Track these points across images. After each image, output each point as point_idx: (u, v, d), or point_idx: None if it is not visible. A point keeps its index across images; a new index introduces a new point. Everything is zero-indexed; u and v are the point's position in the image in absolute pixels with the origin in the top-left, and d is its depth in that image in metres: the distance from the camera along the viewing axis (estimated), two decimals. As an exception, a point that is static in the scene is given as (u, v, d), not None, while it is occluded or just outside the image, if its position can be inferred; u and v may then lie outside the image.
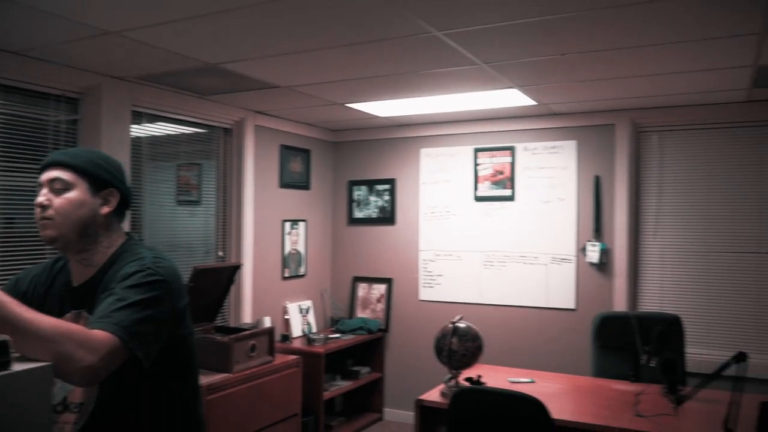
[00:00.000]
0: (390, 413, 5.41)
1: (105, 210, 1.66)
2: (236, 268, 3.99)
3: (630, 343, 3.61)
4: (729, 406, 2.59)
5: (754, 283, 4.30)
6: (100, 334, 1.37)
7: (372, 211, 5.50)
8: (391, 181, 5.43)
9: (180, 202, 4.35)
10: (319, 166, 5.54)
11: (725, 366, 2.64)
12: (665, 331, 3.34)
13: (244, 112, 4.61)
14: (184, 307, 1.63)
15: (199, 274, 3.60)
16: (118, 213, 1.70)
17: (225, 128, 4.59)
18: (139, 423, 1.60)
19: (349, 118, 4.98)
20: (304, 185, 5.34)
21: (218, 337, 3.69)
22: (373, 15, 2.52)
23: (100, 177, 1.65)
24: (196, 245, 4.44)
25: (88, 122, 3.56)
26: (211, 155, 4.56)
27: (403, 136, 5.37)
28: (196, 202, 4.48)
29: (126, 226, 3.62)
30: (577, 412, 3.05)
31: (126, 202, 1.71)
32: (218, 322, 4.21)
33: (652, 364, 3.25)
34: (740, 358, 2.59)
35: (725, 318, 4.37)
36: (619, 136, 4.58)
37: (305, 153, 5.33)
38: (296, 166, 5.22)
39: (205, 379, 3.38)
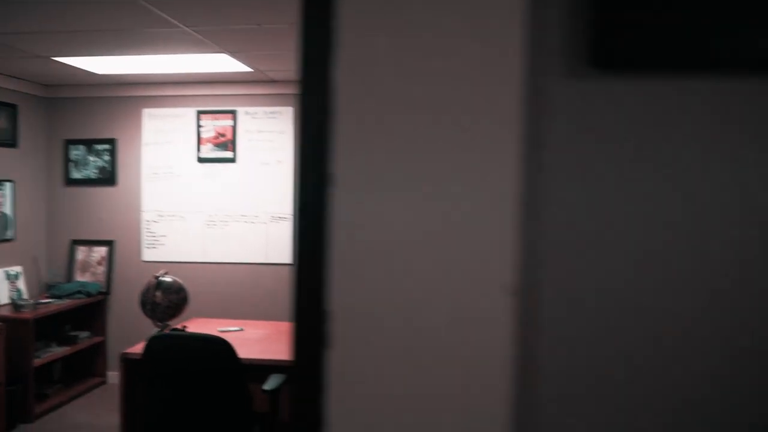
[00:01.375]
0: (114, 376, 5.34)
1: None
2: None
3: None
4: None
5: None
6: None
7: (91, 172, 5.31)
8: (111, 141, 5.28)
9: None
10: (29, 122, 5.18)
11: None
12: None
13: (-70, 59, 4.16)
14: None
15: None
16: None
17: None
18: None
19: (63, 73, 4.73)
20: (10, 143, 4.96)
21: None
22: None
23: None
24: None
25: None
26: None
27: (124, 95, 5.25)
28: None
29: None
30: (272, 351, 3.40)
31: None
32: None
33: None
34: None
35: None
36: (331, 104, 5.00)
37: (11, 108, 4.95)
38: (0, 122, 4.84)
39: None
